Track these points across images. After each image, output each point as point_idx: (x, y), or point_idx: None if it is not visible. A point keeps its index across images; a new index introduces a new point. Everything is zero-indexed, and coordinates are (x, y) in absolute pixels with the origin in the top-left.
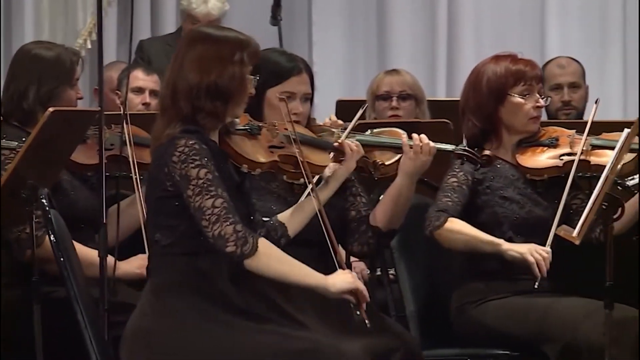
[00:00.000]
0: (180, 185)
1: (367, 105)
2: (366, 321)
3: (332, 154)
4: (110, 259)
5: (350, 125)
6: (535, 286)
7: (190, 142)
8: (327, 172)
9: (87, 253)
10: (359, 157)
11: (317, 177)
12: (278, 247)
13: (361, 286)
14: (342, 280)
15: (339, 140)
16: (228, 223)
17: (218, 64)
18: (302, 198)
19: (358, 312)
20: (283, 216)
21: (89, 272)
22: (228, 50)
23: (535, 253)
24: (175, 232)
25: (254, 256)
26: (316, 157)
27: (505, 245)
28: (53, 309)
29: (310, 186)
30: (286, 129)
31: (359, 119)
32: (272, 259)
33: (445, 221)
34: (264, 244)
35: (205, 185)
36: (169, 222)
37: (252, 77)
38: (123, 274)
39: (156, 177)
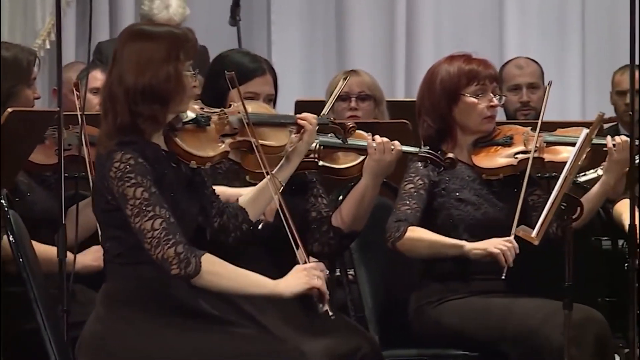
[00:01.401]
0: (119, 202)
1: (349, 77)
2: (330, 313)
3: (294, 131)
4: (69, 255)
5: (332, 97)
6: (503, 277)
7: (126, 157)
8: (288, 148)
9: (45, 250)
10: (327, 125)
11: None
12: (240, 233)
13: (317, 282)
14: (295, 284)
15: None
16: (169, 245)
17: (152, 65)
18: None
19: (321, 305)
20: (243, 200)
21: (48, 270)
22: (162, 49)
23: (498, 245)
24: (123, 244)
25: (199, 275)
26: (273, 137)
27: (468, 245)
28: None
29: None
30: (239, 112)
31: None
32: (217, 276)
33: (406, 231)
34: (207, 262)
35: (142, 205)
36: (117, 233)
37: (190, 72)
38: (81, 267)
39: (99, 189)
